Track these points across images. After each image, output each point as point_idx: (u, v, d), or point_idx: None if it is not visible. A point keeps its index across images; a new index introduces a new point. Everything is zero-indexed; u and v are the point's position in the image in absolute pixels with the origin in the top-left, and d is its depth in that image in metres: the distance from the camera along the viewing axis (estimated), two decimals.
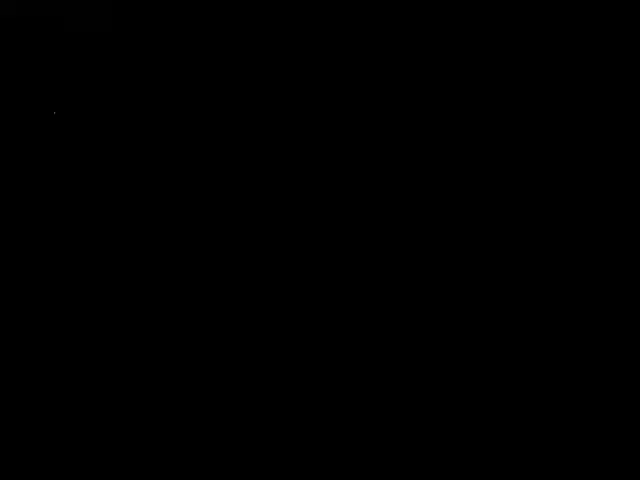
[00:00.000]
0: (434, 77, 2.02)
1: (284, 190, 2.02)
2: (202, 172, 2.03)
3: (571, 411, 1.92)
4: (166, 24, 2.05)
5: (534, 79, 2.00)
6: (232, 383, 1.98)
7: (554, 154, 1.99)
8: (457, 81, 2.01)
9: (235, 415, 1.97)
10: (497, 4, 2.00)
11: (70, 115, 2.04)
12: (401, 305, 1.98)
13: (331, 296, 1.99)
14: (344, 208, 2.01)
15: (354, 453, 1.94)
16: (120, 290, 2.01)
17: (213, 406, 1.97)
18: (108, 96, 2.05)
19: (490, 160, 2.00)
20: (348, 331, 1.98)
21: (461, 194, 1.99)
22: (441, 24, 2.01)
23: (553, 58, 2.00)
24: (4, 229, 2.02)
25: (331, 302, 1.99)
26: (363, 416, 1.95)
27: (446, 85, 2.01)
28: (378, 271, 1.99)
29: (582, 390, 1.93)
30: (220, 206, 2.02)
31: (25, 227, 2.02)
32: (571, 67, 1.99)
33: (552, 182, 1.98)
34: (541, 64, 2.00)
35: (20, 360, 1.99)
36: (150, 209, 2.03)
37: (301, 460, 1.94)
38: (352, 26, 2.03)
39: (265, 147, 2.03)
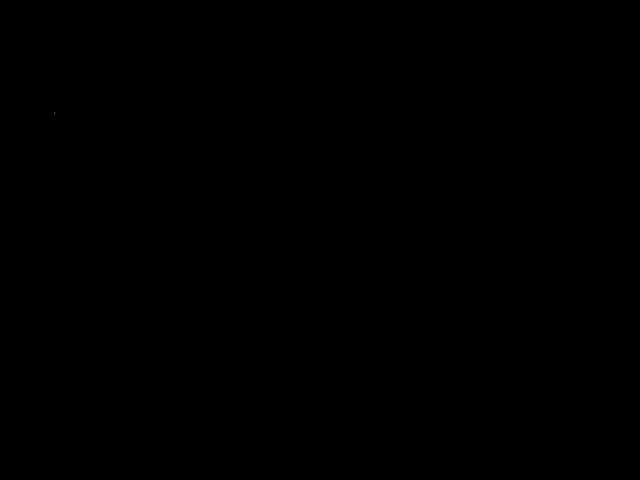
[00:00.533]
0: (434, 77, 2.02)
1: (284, 190, 2.02)
2: (202, 172, 2.03)
3: (571, 411, 1.92)
4: (166, 24, 2.05)
5: (534, 79, 2.00)
6: (232, 383, 1.98)
7: (554, 154, 1.99)
8: (457, 81, 2.01)
9: (235, 415, 1.97)
10: (497, 4, 2.00)
11: (70, 115, 2.04)
12: (401, 305, 1.98)
13: (331, 296, 1.99)
14: (344, 208, 2.01)
15: (354, 453, 1.94)
16: (120, 290, 2.01)
17: (213, 406, 1.97)
18: (108, 96, 2.05)
19: (490, 160, 2.00)
20: (348, 331, 1.98)
21: (461, 194, 1.99)
22: (441, 24, 2.01)
23: (553, 58, 2.00)
24: (4, 229, 2.02)
25: (331, 302, 1.99)
26: (363, 416, 1.95)
27: (446, 85, 2.01)
28: (378, 271, 1.99)
29: (582, 390, 1.93)
30: (220, 206, 2.02)
31: (25, 227, 2.02)
32: (571, 67, 1.99)
33: (552, 182, 1.98)
34: (541, 64, 2.00)
35: (20, 360, 1.99)
36: (150, 209, 2.03)
37: (301, 460, 1.94)
38: (352, 26, 2.03)
39: (265, 147, 2.03)
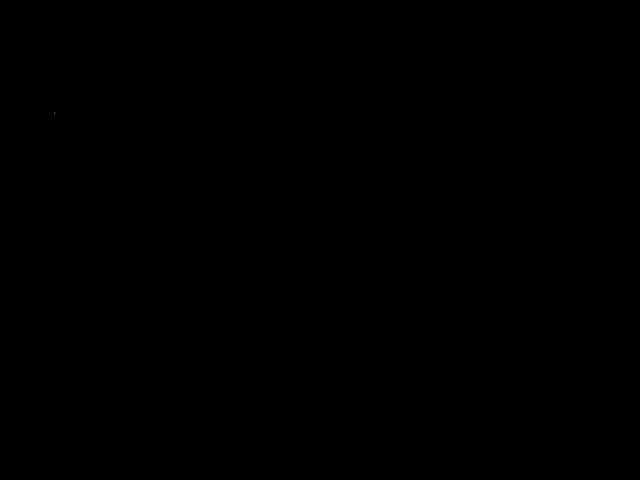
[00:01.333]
0: (434, 77, 2.02)
1: (284, 190, 2.02)
2: (202, 173, 2.03)
3: (571, 411, 1.92)
4: (166, 24, 2.05)
5: (534, 79, 2.00)
6: (232, 383, 1.98)
7: (554, 154, 1.99)
8: (457, 81, 2.01)
9: (235, 415, 1.97)
10: (497, 4, 2.00)
11: (70, 115, 2.04)
12: (401, 304, 1.98)
13: (331, 296, 1.99)
14: (344, 208, 2.01)
15: (354, 453, 1.94)
16: (120, 289, 2.01)
17: (213, 406, 1.97)
18: (108, 96, 2.05)
19: (490, 160, 2.00)
20: (348, 331, 1.98)
21: (461, 194, 1.99)
22: (441, 24, 2.01)
23: (553, 58, 2.00)
24: (4, 229, 2.02)
25: (331, 302, 1.99)
26: (363, 416, 1.95)
27: (446, 85, 2.01)
28: (378, 272, 1.99)
29: (582, 390, 1.93)
30: (220, 205, 2.02)
31: (25, 227, 2.02)
32: (571, 67, 1.99)
33: (552, 182, 1.98)
34: (541, 64, 2.00)
35: (20, 360, 1.99)
36: (150, 209, 2.03)
37: (301, 460, 1.94)
38: (352, 26, 2.03)
39: (264, 148, 2.03)
